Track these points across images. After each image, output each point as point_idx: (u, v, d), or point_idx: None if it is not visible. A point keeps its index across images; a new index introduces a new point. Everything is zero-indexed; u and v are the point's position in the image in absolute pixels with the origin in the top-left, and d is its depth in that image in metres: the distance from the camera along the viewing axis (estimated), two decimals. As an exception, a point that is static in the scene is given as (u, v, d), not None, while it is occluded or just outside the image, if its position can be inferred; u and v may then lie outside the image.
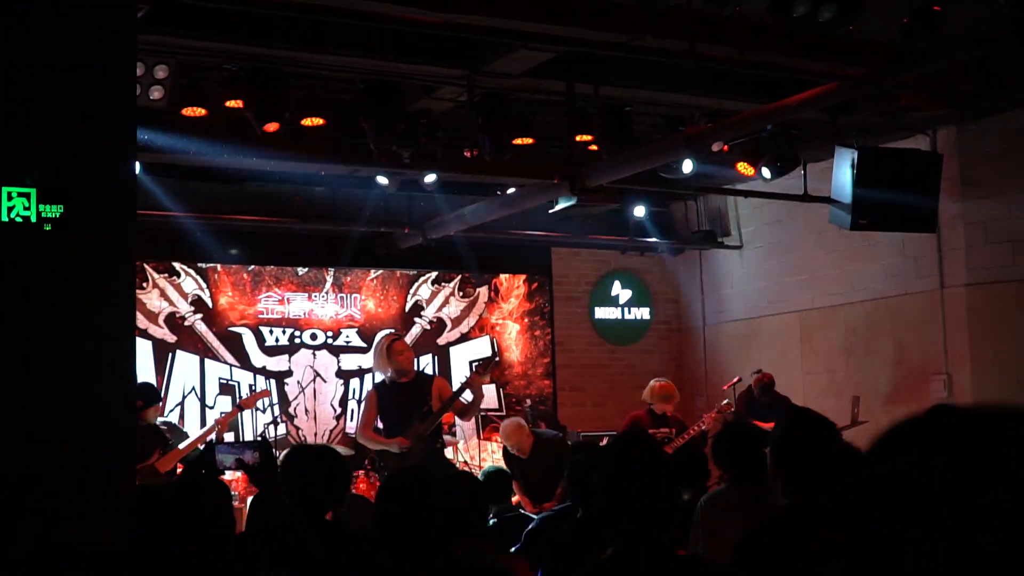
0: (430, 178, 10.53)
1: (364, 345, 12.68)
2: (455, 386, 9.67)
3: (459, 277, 13.37)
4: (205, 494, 4.70)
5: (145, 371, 11.41)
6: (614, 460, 2.91)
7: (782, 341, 12.83)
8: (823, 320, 12.41)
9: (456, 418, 11.43)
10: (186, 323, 12.04)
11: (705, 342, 14.04)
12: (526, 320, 13.70)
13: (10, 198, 4.18)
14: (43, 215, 4.23)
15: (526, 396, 13.12)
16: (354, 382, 12.73)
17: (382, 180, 10.81)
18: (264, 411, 12.00)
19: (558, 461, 8.93)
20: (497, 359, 12.69)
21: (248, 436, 11.73)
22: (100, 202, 4.46)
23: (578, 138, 9.40)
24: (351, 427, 12.15)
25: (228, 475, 10.44)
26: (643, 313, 14.40)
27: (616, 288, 14.29)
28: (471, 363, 11.98)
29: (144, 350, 11.64)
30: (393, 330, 12.38)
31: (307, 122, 8.78)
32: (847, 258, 12.03)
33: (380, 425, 8.98)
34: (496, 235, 12.60)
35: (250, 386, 12.15)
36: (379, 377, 9.19)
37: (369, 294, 12.93)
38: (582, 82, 9.02)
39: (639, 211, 13.19)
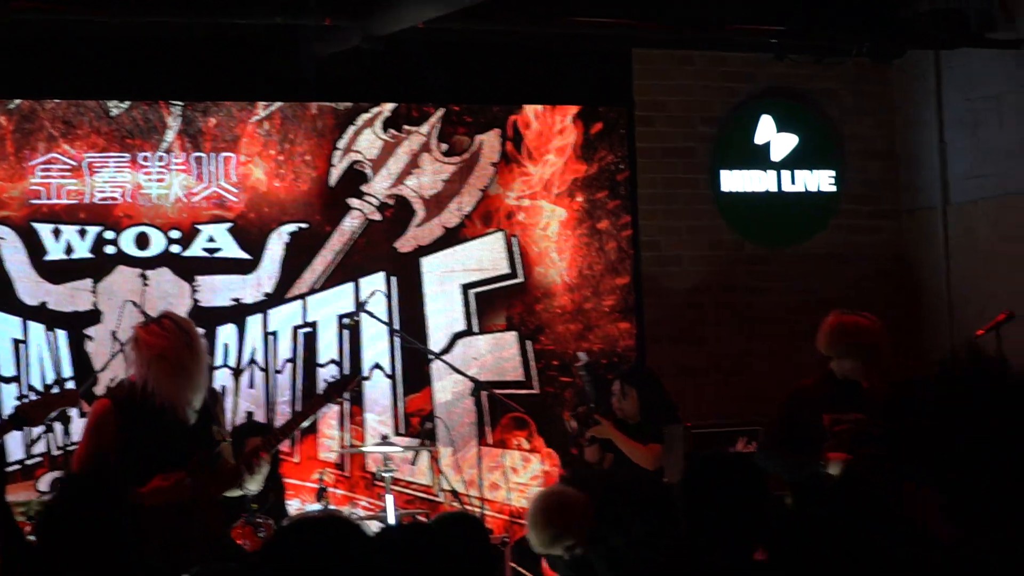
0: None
1: (245, 256, 13.13)
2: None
3: (440, 113, 13.58)
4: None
5: None
6: None
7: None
8: None
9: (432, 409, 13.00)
10: None
11: (947, 240, 14.29)
12: (580, 199, 13.85)
13: None
14: None
15: (577, 358, 12.93)
16: (225, 331, 13.05)
17: None
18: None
19: None
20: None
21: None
22: None
23: None
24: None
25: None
26: (822, 181, 14.77)
27: (766, 130, 14.61)
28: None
29: None
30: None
31: None
32: None
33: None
34: (513, 29, 12.94)
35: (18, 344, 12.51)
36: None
37: (255, 152, 13.07)
38: None
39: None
